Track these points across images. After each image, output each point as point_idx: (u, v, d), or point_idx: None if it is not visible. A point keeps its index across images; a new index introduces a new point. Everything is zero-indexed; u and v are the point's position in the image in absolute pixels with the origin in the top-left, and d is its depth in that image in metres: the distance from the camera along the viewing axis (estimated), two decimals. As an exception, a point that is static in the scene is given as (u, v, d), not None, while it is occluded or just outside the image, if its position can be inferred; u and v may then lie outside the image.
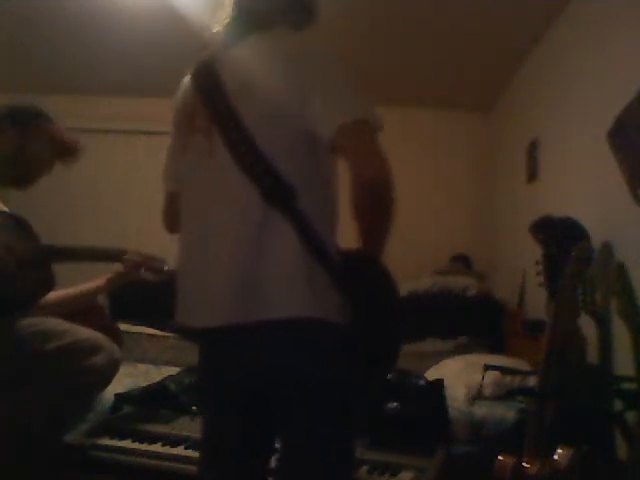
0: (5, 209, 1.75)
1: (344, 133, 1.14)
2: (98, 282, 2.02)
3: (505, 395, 2.13)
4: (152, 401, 2.08)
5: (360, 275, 1.20)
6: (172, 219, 1.40)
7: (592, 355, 2.03)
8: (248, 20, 1.30)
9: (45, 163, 1.88)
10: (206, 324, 1.19)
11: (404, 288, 3.36)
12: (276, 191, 1.15)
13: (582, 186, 2.52)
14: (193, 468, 1.74)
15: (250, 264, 1.13)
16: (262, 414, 1.21)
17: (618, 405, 1.80)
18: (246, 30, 1.28)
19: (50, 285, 1.73)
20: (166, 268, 2.06)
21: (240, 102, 1.19)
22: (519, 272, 3.27)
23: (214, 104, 1.23)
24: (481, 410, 2.11)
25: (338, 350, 1.15)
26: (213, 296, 1.17)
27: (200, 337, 1.28)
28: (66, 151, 1.92)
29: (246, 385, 1.19)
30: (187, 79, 1.34)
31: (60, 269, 1.76)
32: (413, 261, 3.64)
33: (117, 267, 2.00)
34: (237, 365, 1.18)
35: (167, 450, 1.82)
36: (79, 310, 1.96)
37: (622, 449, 1.81)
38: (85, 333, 1.80)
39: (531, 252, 2.01)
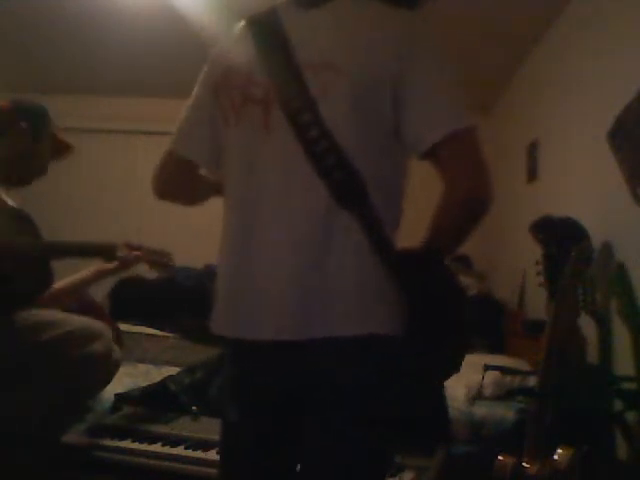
0: (12, 204, 1.74)
1: (446, 145, 1.02)
2: (84, 273, 1.95)
3: (505, 395, 2.13)
4: (152, 401, 2.07)
5: (419, 270, 1.07)
6: (170, 186, 1.26)
7: (592, 355, 2.03)
8: None
9: (47, 164, 1.87)
10: (257, 337, 1.04)
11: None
12: (347, 187, 1.01)
13: (582, 186, 2.52)
14: (193, 468, 1.75)
15: (313, 269, 1.00)
16: (288, 418, 1.09)
17: (618, 405, 1.81)
18: None
19: (49, 282, 1.72)
20: (171, 263, 2.04)
21: (314, 77, 1.02)
22: (519, 272, 3.27)
23: (280, 75, 1.05)
24: (481, 410, 2.11)
25: (395, 362, 1.04)
26: (266, 306, 1.02)
27: (239, 345, 1.11)
28: (62, 151, 1.93)
29: (282, 388, 1.07)
30: (240, 34, 1.15)
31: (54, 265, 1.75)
32: (413, 261, 3.62)
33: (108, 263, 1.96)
34: (278, 370, 1.05)
35: (167, 450, 1.81)
36: (79, 310, 1.95)
37: (622, 449, 1.81)
38: (81, 321, 1.77)
39: (531, 252, 2.01)
